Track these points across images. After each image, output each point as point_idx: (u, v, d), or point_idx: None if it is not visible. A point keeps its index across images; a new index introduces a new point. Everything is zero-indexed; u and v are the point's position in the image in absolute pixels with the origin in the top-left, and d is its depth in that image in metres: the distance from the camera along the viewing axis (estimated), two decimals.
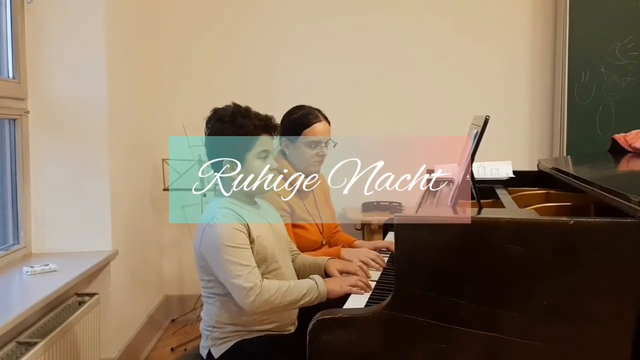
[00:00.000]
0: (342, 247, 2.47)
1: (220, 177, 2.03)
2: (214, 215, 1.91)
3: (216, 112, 2.01)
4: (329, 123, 2.52)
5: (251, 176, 1.98)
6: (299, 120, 2.47)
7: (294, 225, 2.45)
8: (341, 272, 2.13)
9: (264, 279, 1.89)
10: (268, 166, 2.01)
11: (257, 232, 1.95)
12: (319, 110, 2.52)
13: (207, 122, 2.02)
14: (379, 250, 2.50)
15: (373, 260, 2.27)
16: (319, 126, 2.47)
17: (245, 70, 3.96)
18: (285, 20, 3.97)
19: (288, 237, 2.22)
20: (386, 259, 2.35)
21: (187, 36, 3.94)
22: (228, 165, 1.97)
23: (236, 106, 2.01)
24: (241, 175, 1.98)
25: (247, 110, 2.01)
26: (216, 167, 2.01)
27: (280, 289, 1.87)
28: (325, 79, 3.97)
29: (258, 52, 3.97)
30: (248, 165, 1.98)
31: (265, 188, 2.04)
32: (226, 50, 3.96)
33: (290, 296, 1.89)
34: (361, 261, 2.24)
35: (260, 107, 2.05)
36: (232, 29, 3.96)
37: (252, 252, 1.91)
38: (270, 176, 2.03)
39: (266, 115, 2.02)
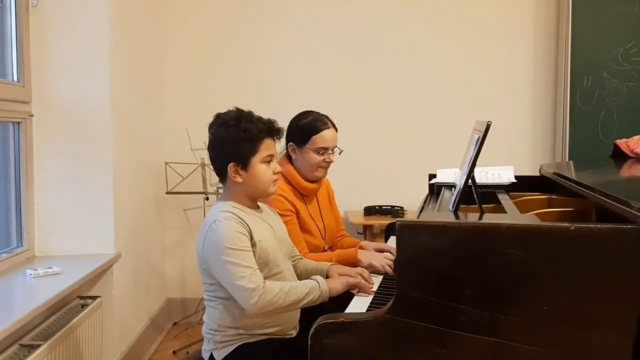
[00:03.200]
0: (359, 248, 2.48)
1: (224, 181, 2.03)
2: (216, 219, 1.91)
3: (219, 116, 2.02)
4: (336, 130, 2.53)
5: (255, 181, 1.99)
6: (308, 126, 2.48)
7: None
8: None
9: (267, 281, 1.89)
10: (272, 171, 2.02)
11: (259, 236, 1.95)
12: (327, 117, 2.53)
13: (210, 127, 2.02)
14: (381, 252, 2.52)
15: (389, 265, 2.28)
16: (327, 133, 2.48)
17: (249, 74, 3.97)
18: (290, 26, 3.99)
19: (290, 242, 2.22)
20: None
21: (191, 40, 3.96)
22: (232, 170, 1.97)
23: (239, 110, 2.02)
24: (245, 180, 1.98)
25: (251, 114, 2.01)
26: (220, 171, 2.02)
27: (283, 289, 1.88)
28: (329, 84, 3.98)
29: (262, 56, 3.98)
30: (253, 169, 1.98)
31: (269, 192, 2.05)
32: (230, 54, 3.97)
33: (293, 296, 1.89)
34: (379, 264, 2.26)
35: (263, 112, 2.05)
36: (237, 33, 3.97)
37: (254, 256, 1.91)
38: (274, 180, 2.04)
39: (269, 119, 2.03)
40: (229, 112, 2.02)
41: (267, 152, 1.99)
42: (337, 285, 1.98)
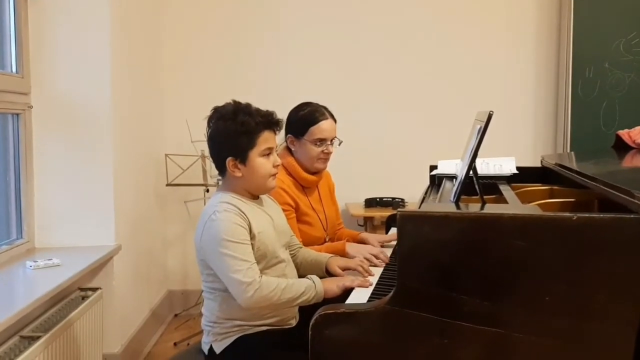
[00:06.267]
0: (347, 241, 2.48)
1: (223, 175, 2.02)
2: (215, 210, 1.90)
3: (217, 110, 1.99)
4: (335, 121, 2.52)
5: (254, 175, 1.97)
6: (306, 118, 2.47)
7: (298, 221, 2.45)
8: (343, 269, 2.14)
9: (263, 275, 1.88)
10: (271, 164, 1.99)
11: (258, 228, 1.94)
12: (325, 108, 2.52)
13: (209, 121, 1.99)
14: (384, 244, 2.51)
15: (376, 257, 2.27)
16: (325, 124, 2.47)
17: (249, 65, 3.96)
18: (289, 15, 3.97)
19: (290, 232, 2.21)
20: (389, 253, 2.35)
21: (190, 31, 3.94)
22: (231, 164, 1.95)
23: (237, 103, 1.99)
24: (244, 174, 1.96)
25: (248, 106, 1.98)
26: (219, 165, 2.00)
27: (279, 286, 1.87)
28: (329, 74, 3.97)
29: (262, 47, 3.97)
30: (251, 163, 1.95)
31: (268, 186, 2.03)
32: (230, 45, 3.96)
33: (288, 294, 1.88)
34: (364, 257, 2.25)
35: (264, 103, 2.03)
36: (236, 24, 3.96)
37: (253, 249, 1.90)
38: (273, 174, 2.01)
39: (267, 110, 1.99)
40: (226, 106, 1.99)
41: (265, 145, 1.96)
42: (333, 287, 1.95)
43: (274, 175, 2.02)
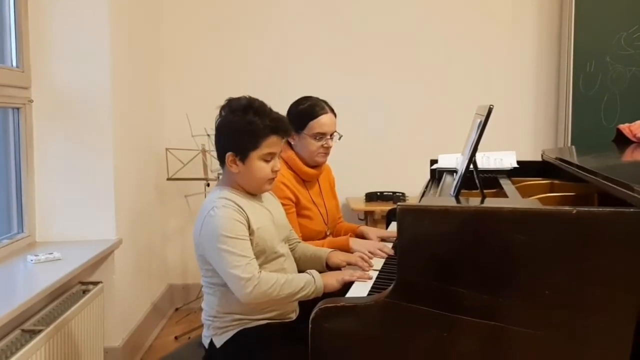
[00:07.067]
0: (350, 236, 2.48)
1: (223, 166, 2.01)
2: (214, 205, 1.89)
3: (230, 101, 1.96)
4: (334, 115, 2.51)
5: (250, 176, 1.95)
6: (306, 112, 2.46)
7: (299, 215, 2.45)
8: (346, 263, 2.14)
9: (262, 271, 1.87)
10: (270, 169, 1.96)
11: (257, 223, 1.93)
12: (325, 102, 2.51)
13: (220, 111, 1.97)
14: (383, 239, 2.52)
15: (380, 250, 2.29)
16: (325, 118, 2.46)
17: (250, 60, 3.95)
18: (291, 10, 3.96)
19: (289, 226, 2.21)
20: (390, 246, 2.36)
21: (191, 25, 3.93)
22: (230, 159, 1.94)
23: (250, 100, 1.95)
24: (241, 172, 1.95)
25: (262, 106, 1.94)
26: (220, 157, 1.99)
27: (278, 282, 1.86)
28: (331, 69, 3.96)
29: (263, 41, 3.96)
30: (250, 164, 1.93)
31: (262, 189, 2.01)
32: (231, 39, 3.95)
33: (288, 289, 1.88)
34: (369, 251, 2.25)
35: (264, 97, 2.01)
36: (237, 18, 3.95)
37: (251, 244, 1.89)
38: (270, 179, 1.99)
39: (279, 115, 1.96)
40: (240, 99, 1.96)
41: (268, 150, 1.93)
42: (332, 281, 1.95)
43: (271, 180, 2.00)
